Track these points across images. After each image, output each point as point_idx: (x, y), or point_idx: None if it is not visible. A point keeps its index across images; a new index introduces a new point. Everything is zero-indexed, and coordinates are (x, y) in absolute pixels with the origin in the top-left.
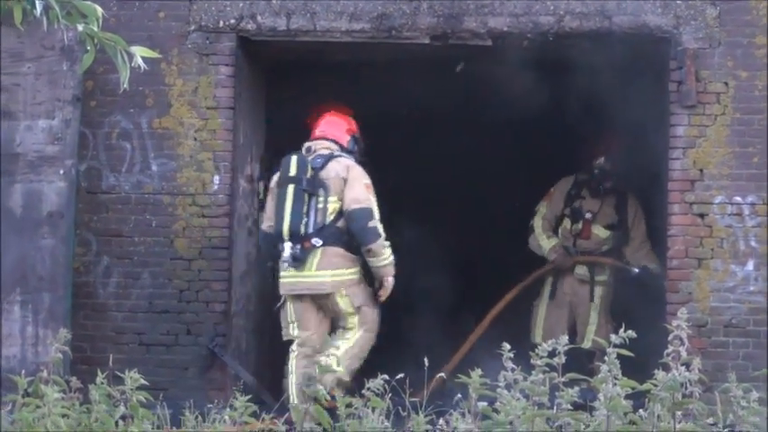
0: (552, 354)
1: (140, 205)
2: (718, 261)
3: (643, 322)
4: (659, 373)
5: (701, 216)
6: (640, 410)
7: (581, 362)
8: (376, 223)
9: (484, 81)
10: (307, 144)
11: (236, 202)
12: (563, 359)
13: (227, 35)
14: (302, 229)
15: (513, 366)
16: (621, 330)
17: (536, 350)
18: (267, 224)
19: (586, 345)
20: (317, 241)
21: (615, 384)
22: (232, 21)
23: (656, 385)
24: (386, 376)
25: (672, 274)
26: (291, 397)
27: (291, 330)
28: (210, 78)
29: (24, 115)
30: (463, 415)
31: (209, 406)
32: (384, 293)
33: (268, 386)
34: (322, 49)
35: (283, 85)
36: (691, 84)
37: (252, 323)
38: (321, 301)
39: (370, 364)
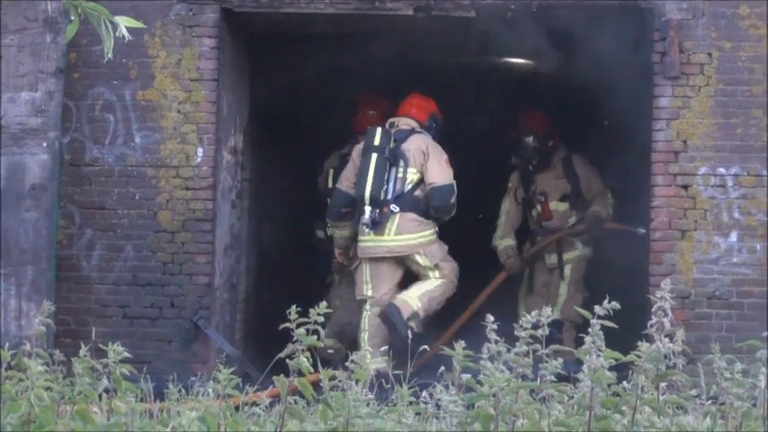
0: (536, 326)
1: (124, 177)
2: (701, 232)
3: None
4: (643, 345)
5: (685, 187)
6: (624, 382)
7: (550, 332)
8: (454, 198)
9: (466, 54)
10: (391, 119)
11: (219, 175)
12: (546, 331)
13: (210, 6)
14: (382, 195)
15: (497, 338)
16: (605, 302)
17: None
18: (345, 184)
19: (554, 315)
20: (394, 207)
21: (599, 356)
22: None
23: (639, 357)
24: (370, 348)
25: (655, 245)
26: (365, 352)
27: (365, 290)
28: (194, 50)
29: (7, 87)
30: (447, 387)
31: (193, 379)
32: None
33: (252, 359)
34: (305, 20)
35: (267, 57)
36: (674, 55)
37: (236, 295)
38: (400, 260)
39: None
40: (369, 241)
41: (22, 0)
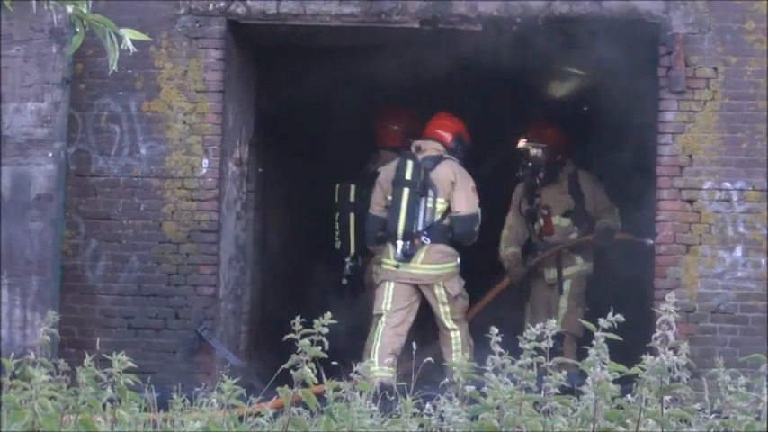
0: (540, 338)
1: (129, 188)
2: (706, 247)
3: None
4: (647, 358)
5: (690, 202)
6: (628, 395)
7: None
8: (478, 226)
9: (472, 66)
10: (417, 143)
11: (224, 186)
12: (551, 343)
13: (216, 18)
14: (414, 229)
15: (501, 351)
16: (610, 314)
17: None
18: (377, 208)
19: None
20: (425, 239)
21: (603, 369)
22: (222, 4)
23: (643, 369)
24: (374, 359)
25: (660, 259)
26: (373, 360)
27: (384, 305)
28: (200, 62)
29: (13, 98)
30: (451, 399)
31: (197, 389)
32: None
33: (256, 370)
34: (311, 32)
35: (273, 69)
36: (680, 69)
37: (240, 307)
38: (420, 287)
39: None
40: (395, 266)
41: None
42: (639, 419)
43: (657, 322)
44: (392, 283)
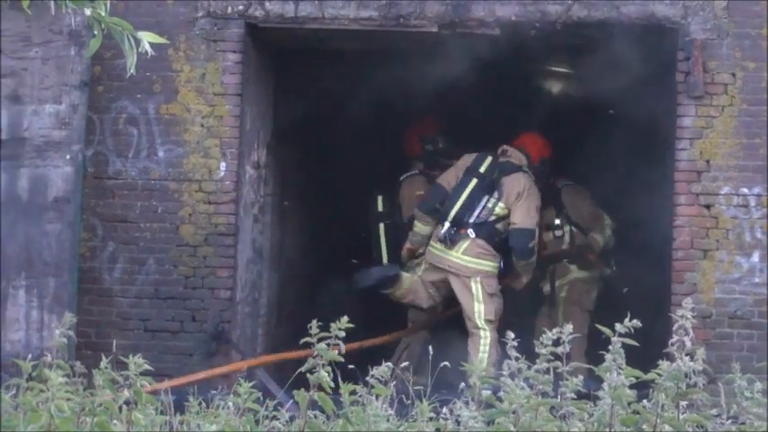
0: (556, 343)
1: (146, 191)
2: (723, 252)
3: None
4: (663, 363)
5: (707, 207)
6: (644, 400)
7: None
8: (534, 242)
9: (489, 72)
10: (504, 147)
11: (242, 189)
12: (567, 348)
13: (235, 21)
14: (465, 218)
15: (517, 355)
16: (626, 320)
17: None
18: (446, 181)
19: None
20: (471, 232)
21: (619, 374)
22: (240, 7)
23: (660, 375)
24: (390, 364)
25: (677, 264)
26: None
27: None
28: (218, 65)
29: (31, 100)
30: (467, 403)
31: (213, 392)
32: (517, 284)
33: (272, 373)
34: (330, 36)
35: (291, 72)
36: (698, 74)
37: (257, 310)
38: (456, 279)
39: (376, 353)
40: (438, 251)
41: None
42: (656, 425)
43: (674, 328)
44: (430, 269)
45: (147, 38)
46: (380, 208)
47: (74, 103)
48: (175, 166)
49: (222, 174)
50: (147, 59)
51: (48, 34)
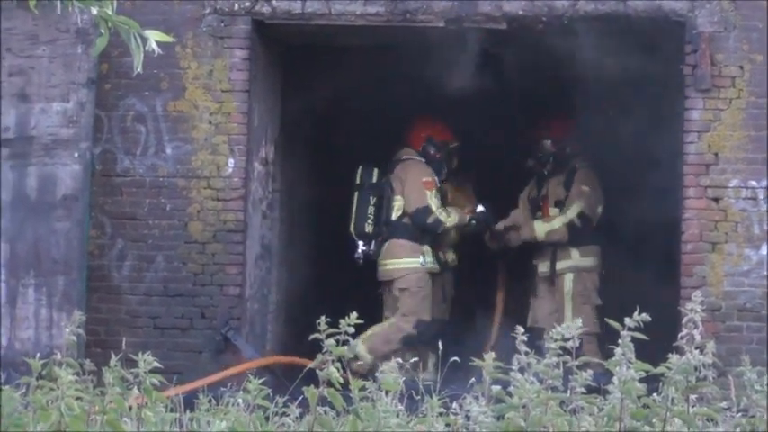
0: (566, 337)
1: (155, 188)
2: (732, 245)
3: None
4: (673, 357)
5: (716, 200)
6: (654, 394)
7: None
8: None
9: (496, 67)
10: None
11: (250, 186)
12: (577, 343)
13: (242, 18)
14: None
15: (527, 350)
16: (636, 313)
17: (549, 334)
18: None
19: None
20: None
21: (629, 368)
22: (247, 4)
23: (669, 368)
24: (399, 359)
25: (686, 258)
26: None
27: None
28: (225, 62)
29: (39, 98)
30: (477, 398)
31: (223, 389)
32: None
33: (282, 370)
34: (337, 32)
35: (299, 68)
36: (705, 67)
37: (267, 306)
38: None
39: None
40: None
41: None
42: (666, 418)
43: (683, 321)
44: None
45: (154, 36)
46: (374, 180)
47: (81, 101)
48: (183, 163)
49: (230, 170)
50: (154, 57)
51: (55, 33)
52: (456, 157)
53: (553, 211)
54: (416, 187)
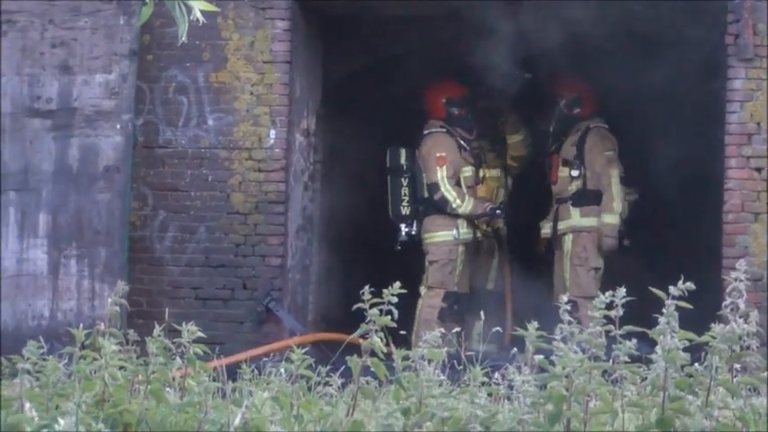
0: (610, 306)
1: (197, 159)
2: None
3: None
4: (716, 326)
5: (758, 170)
6: (696, 364)
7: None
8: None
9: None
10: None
11: (291, 157)
12: (621, 311)
13: None
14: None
15: (570, 319)
16: (680, 282)
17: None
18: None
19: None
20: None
21: (673, 337)
22: None
23: (713, 338)
24: (442, 329)
25: (728, 228)
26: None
27: None
28: (267, 32)
29: (81, 70)
30: (519, 368)
31: (265, 360)
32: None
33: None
34: (377, 2)
35: (340, 39)
36: (748, 37)
37: (308, 277)
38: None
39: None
40: None
41: None
42: (710, 387)
43: (727, 290)
44: None
45: (199, 5)
46: (403, 161)
47: (123, 73)
48: (225, 135)
49: (272, 141)
50: (196, 28)
51: (97, 4)
52: (487, 107)
53: (563, 170)
54: (430, 163)
